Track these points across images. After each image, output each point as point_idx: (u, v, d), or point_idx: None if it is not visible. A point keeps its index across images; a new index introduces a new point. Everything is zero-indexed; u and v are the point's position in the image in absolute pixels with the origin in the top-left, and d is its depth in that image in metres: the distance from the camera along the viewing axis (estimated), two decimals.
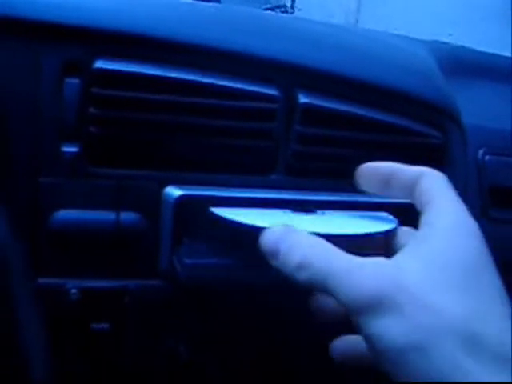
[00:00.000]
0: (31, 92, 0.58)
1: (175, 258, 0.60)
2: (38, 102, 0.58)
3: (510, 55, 1.17)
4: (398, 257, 0.42)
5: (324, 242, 0.44)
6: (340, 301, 0.41)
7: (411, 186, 0.49)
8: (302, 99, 0.63)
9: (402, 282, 0.39)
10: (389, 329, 0.38)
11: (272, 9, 1.55)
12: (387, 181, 0.52)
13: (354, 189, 0.66)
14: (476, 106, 0.87)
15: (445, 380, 0.37)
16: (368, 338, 0.40)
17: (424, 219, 0.45)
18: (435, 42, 1.13)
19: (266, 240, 0.47)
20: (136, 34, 0.60)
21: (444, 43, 1.17)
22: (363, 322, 0.40)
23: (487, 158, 0.82)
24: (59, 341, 0.64)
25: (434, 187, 0.47)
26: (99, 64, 0.58)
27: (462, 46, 1.23)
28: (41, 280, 0.60)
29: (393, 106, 0.68)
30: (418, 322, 0.38)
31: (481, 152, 0.82)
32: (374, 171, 0.54)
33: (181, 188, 0.61)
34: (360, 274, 0.40)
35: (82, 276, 0.61)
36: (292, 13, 1.76)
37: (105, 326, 0.63)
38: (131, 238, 0.61)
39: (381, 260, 0.42)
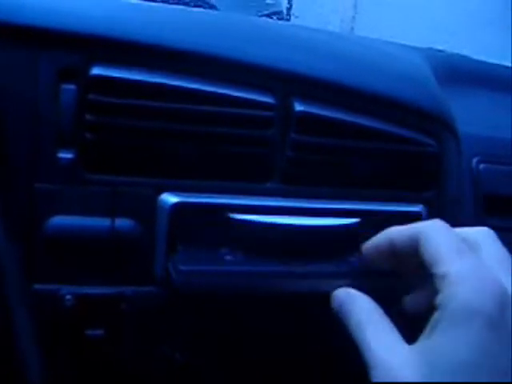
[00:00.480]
0: (28, 97, 0.58)
1: (170, 265, 0.60)
2: (35, 107, 0.58)
3: (507, 63, 1.18)
4: (410, 354, 0.44)
5: (372, 322, 0.48)
6: None
7: (415, 249, 0.48)
8: (298, 107, 0.64)
9: None
10: None
11: (268, 15, 1.55)
12: (393, 253, 0.52)
13: (349, 196, 0.67)
14: (471, 114, 0.87)
15: None
16: None
17: (437, 300, 0.44)
18: (430, 49, 1.14)
19: (334, 299, 0.53)
20: (133, 40, 0.60)
21: (439, 51, 1.18)
22: None
23: (482, 166, 0.83)
24: (54, 347, 0.64)
25: (437, 250, 0.46)
26: (96, 70, 0.58)
27: (458, 54, 1.24)
28: (36, 286, 0.60)
29: (388, 115, 0.68)
30: None
31: (475, 160, 0.83)
32: (375, 250, 0.55)
33: (176, 195, 0.61)
34: (380, 372, 0.44)
35: (76, 282, 0.61)
36: (288, 19, 1.76)
37: (100, 332, 0.63)
38: (126, 245, 0.61)
39: (396, 358, 0.44)
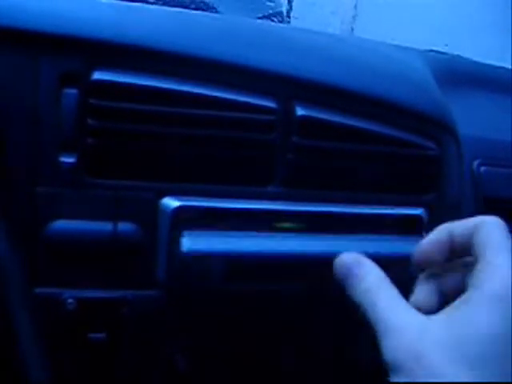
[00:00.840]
0: (30, 102, 0.58)
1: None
2: (37, 112, 0.58)
3: (507, 65, 1.18)
4: (430, 321, 0.43)
5: (385, 289, 0.46)
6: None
7: (470, 239, 0.48)
8: (300, 111, 0.64)
9: (423, 351, 0.41)
10: None
11: (268, 17, 1.54)
12: (450, 246, 0.51)
13: (350, 199, 0.67)
14: (472, 117, 0.87)
15: None
16: None
17: (472, 280, 0.43)
18: (431, 51, 1.14)
19: (339, 263, 0.50)
20: (134, 45, 0.61)
21: (440, 53, 1.18)
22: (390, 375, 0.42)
23: (482, 168, 0.83)
24: (57, 350, 0.64)
25: (489, 241, 0.45)
26: (97, 75, 0.59)
27: (459, 56, 1.24)
28: (38, 289, 0.60)
29: (389, 118, 0.68)
30: None
31: (476, 163, 0.83)
32: (436, 243, 0.53)
33: (178, 199, 0.61)
34: (393, 337, 0.43)
35: (78, 286, 0.61)
36: (288, 21, 1.75)
37: (102, 335, 0.63)
38: (128, 249, 0.61)
39: (413, 323, 0.43)
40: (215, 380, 0.75)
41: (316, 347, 0.75)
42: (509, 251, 0.44)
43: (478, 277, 0.43)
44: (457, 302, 0.43)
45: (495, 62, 1.17)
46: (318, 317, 0.73)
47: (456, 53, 1.29)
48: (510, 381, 0.40)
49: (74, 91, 0.59)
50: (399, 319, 0.43)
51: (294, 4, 1.86)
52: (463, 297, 0.43)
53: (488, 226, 0.46)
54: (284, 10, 1.83)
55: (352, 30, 3.25)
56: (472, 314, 0.41)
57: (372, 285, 0.47)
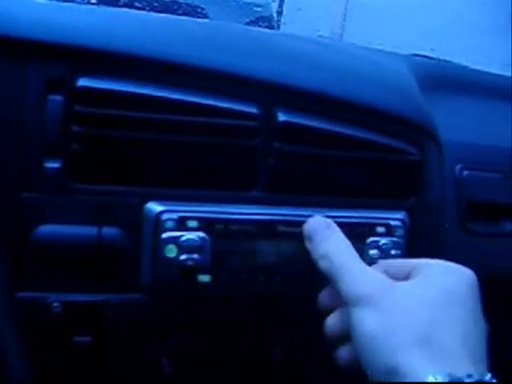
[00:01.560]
0: (15, 108, 0.59)
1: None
2: (22, 118, 0.59)
3: (494, 68, 1.19)
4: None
5: (349, 246, 0.56)
6: (341, 293, 0.52)
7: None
8: (281, 117, 0.65)
9: (392, 288, 0.50)
10: (368, 317, 0.49)
11: (256, 22, 1.55)
12: None
13: (332, 204, 0.68)
14: (455, 121, 0.88)
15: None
16: (352, 325, 0.50)
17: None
18: (416, 56, 1.15)
19: (307, 225, 0.60)
20: (120, 52, 0.61)
21: (426, 57, 1.19)
22: (352, 312, 0.50)
23: (465, 172, 0.84)
24: (42, 354, 0.64)
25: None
26: (82, 82, 0.59)
27: (444, 60, 1.25)
28: (23, 294, 0.61)
29: (371, 124, 0.69)
30: (392, 317, 0.48)
31: (458, 167, 0.84)
32: None
33: (162, 204, 0.62)
34: (361, 276, 0.52)
35: (64, 290, 0.62)
36: (278, 26, 1.76)
37: (87, 339, 0.64)
38: (113, 253, 0.61)
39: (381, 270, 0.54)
40: (200, 382, 0.75)
41: (305, 349, 0.76)
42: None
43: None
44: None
45: (488, 65, 1.18)
46: (306, 320, 0.73)
47: (444, 57, 1.30)
48: None
49: (59, 98, 0.59)
50: (362, 269, 0.53)
51: (283, 9, 1.88)
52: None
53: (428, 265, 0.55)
54: (273, 14, 1.85)
55: (341, 34, 3.26)
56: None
57: (337, 243, 0.57)
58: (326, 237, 0.58)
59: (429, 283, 0.51)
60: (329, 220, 0.60)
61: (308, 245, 0.59)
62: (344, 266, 0.54)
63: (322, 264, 0.56)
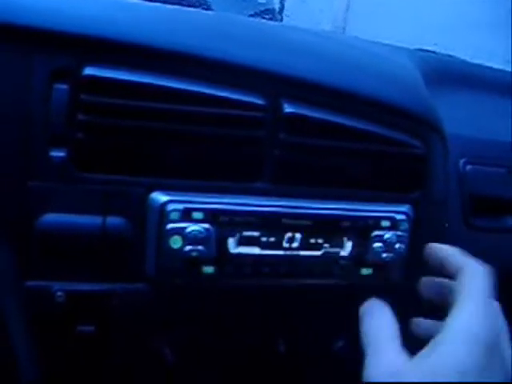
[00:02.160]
0: (21, 97, 0.59)
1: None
2: (28, 107, 0.59)
3: (496, 64, 1.19)
4: (408, 365, 0.48)
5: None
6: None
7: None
8: (287, 109, 0.65)
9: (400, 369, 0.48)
10: None
11: (260, 14, 1.55)
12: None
13: (337, 196, 0.68)
14: (459, 116, 0.88)
15: None
16: None
17: (447, 320, 0.49)
18: (420, 50, 1.15)
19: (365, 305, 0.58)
20: (125, 41, 0.61)
21: (429, 51, 1.19)
22: None
23: (468, 167, 0.84)
24: (46, 342, 0.64)
25: (468, 287, 0.52)
26: (88, 71, 0.59)
27: (448, 55, 1.25)
28: (28, 283, 0.61)
29: (376, 116, 0.69)
30: None
31: (462, 161, 0.84)
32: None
33: (167, 194, 0.62)
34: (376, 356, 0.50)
35: (68, 279, 0.62)
36: (281, 19, 1.76)
37: (91, 328, 0.64)
38: (117, 242, 0.61)
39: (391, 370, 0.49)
40: (204, 373, 0.75)
41: (308, 342, 0.76)
42: (482, 300, 0.50)
43: (450, 318, 0.49)
44: (428, 346, 0.48)
45: (485, 61, 1.18)
46: (310, 313, 0.74)
47: (447, 51, 1.30)
48: None
49: (64, 87, 0.59)
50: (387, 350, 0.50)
51: (285, 2, 1.87)
52: (435, 338, 0.48)
53: (470, 271, 0.53)
54: (276, 7, 1.84)
55: (344, 28, 3.26)
56: (445, 356, 0.47)
57: (380, 323, 0.54)
58: (374, 316, 0.56)
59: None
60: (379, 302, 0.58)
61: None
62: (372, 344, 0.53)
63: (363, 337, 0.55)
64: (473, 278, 0.52)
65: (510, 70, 1.21)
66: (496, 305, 0.52)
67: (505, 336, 0.51)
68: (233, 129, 0.63)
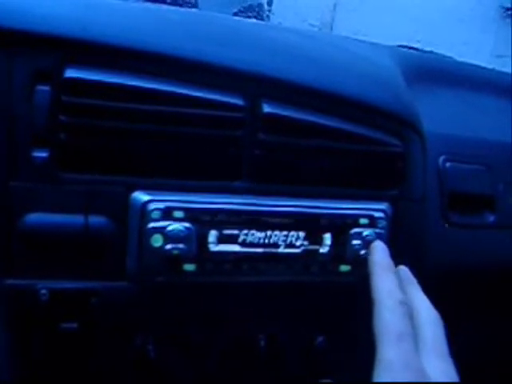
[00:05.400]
0: (2, 98, 0.59)
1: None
2: (10, 108, 0.59)
3: (483, 61, 1.20)
4: None
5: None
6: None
7: None
8: (266, 109, 0.66)
9: None
10: None
11: (247, 10, 1.56)
12: None
13: (316, 194, 0.69)
14: (439, 113, 0.89)
15: None
16: None
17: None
18: (402, 47, 1.16)
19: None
20: (106, 43, 0.62)
21: (411, 48, 1.20)
22: None
23: (448, 164, 0.85)
24: (27, 341, 0.65)
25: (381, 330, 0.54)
26: (70, 73, 0.60)
27: (430, 52, 1.26)
28: (10, 281, 0.62)
29: (354, 116, 0.70)
30: None
31: (442, 159, 0.85)
32: None
33: (148, 193, 0.63)
34: None
35: (51, 277, 0.62)
36: (268, 16, 1.77)
37: (73, 325, 0.64)
38: (99, 241, 0.62)
39: None
40: (188, 370, 0.76)
41: (288, 338, 0.77)
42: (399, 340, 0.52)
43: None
44: None
45: (473, 56, 1.19)
46: (292, 308, 0.75)
47: (432, 47, 1.31)
48: None
49: (46, 88, 0.60)
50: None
51: None
52: None
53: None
54: (263, 3, 1.85)
55: (331, 24, 3.26)
56: None
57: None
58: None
59: None
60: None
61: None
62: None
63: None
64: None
65: (497, 64, 1.22)
66: None
67: None
68: (212, 129, 0.64)
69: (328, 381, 0.79)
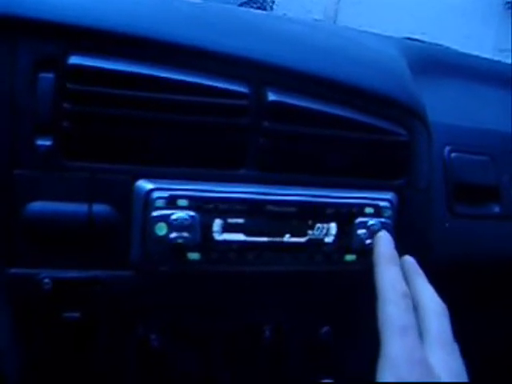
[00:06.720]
0: (6, 86, 0.59)
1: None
2: (13, 96, 0.59)
3: (485, 53, 1.20)
4: None
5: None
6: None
7: None
8: (271, 97, 0.65)
9: None
10: None
11: (248, 2, 1.55)
12: None
13: (321, 183, 0.69)
14: (445, 104, 0.89)
15: None
16: None
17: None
18: (407, 39, 1.15)
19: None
20: (110, 30, 0.61)
21: (417, 40, 1.19)
22: None
23: (453, 155, 0.85)
24: (30, 330, 0.65)
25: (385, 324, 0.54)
26: (73, 60, 0.59)
27: (435, 44, 1.25)
28: (14, 270, 0.61)
29: (360, 105, 0.70)
30: None
31: (447, 149, 0.84)
32: None
33: (152, 182, 0.62)
34: None
35: (54, 266, 0.62)
36: (271, 7, 1.76)
37: (76, 314, 0.64)
38: (103, 230, 0.62)
39: None
40: (191, 359, 0.76)
41: (292, 328, 0.77)
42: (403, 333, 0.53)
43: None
44: None
45: (475, 49, 1.19)
46: (296, 299, 0.74)
47: (436, 40, 1.30)
48: None
49: (50, 75, 0.60)
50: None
51: None
52: None
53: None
54: None
55: (335, 17, 3.25)
56: None
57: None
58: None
59: None
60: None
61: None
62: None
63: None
64: None
65: (499, 58, 1.22)
66: None
67: None
68: (217, 117, 0.64)
69: (329, 381, 0.79)
